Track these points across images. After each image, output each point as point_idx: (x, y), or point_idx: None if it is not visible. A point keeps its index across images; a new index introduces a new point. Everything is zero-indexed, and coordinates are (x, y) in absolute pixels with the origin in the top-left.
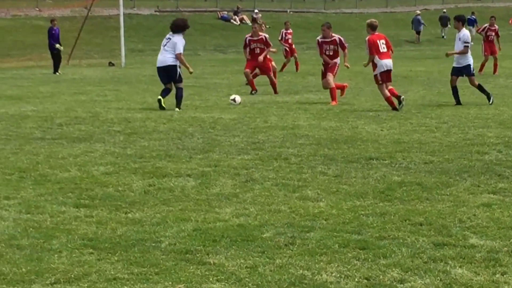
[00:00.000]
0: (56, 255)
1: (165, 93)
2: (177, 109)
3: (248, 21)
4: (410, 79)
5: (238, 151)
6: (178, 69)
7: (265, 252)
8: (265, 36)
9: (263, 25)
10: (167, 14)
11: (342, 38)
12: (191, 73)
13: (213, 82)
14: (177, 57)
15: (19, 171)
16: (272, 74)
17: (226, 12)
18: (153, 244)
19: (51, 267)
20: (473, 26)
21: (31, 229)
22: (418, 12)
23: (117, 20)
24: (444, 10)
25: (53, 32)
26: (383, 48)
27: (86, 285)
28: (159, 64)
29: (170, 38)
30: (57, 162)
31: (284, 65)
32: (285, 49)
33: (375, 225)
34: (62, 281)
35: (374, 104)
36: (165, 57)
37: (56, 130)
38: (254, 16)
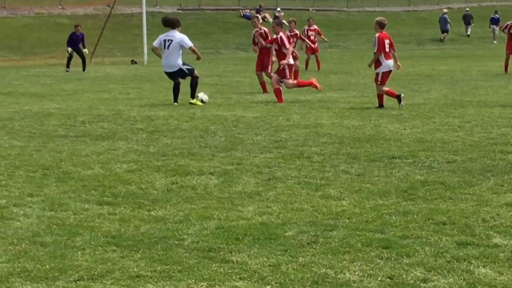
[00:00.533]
0: (79, 252)
1: (177, 94)
2: (190, 100)
3: (271, 19)
4: (433, 78)
5: (261, 150)
6: (183, 67)
7: (288, 251)
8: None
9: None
10: (189, 12)
11: (284, 38)
12: (199, 58)
13: (235, 80)
14: (192, 50)
15: (42, 169)
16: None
17: (248, 11)
18: (176, 242)
19: (75, 264)
20: (496, 25)
21: (54, 226)
22: (445, 11)
23: (139, 18)
24: (467, 9)
25: (74, 37)
26: (387, 48)
27: (109, 282)
28: (167, 69)
29: (171, 40)
30: (80, 160)
31: (307, 63)
32: (306, 46)
33: (398, 224)
34: (85, 278)
35: (397, 102)
36: (169, 62)
37: (79, 128)
38: (277, 14)
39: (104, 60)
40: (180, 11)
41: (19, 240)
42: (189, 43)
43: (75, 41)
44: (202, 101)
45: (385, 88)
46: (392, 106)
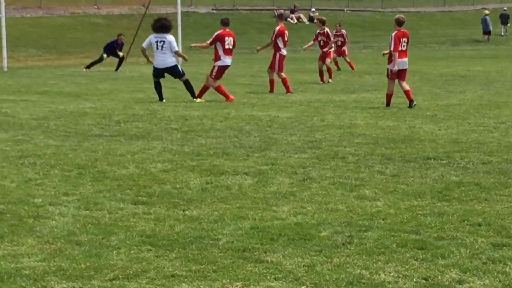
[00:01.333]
0: (114, 252)
1: (160, 92)
2: (197, 99)
3: (305, 20)
4: (468, 79)
5: (295, 150)
6: (179, 65)
7: (323, 251)
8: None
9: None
10: (224, 12)
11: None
12: (186, 60)
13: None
14: (177, 53)
15: (77, 168)
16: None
17: (283, 11)
18: (211, 242)
19: (110, 263)
20: None
21: (90, 225)
22: (487, 12)
23: (174, 18)
24: (505, 8)
25: (115, 45)
26: (403, 46)
27: (144, 281)
28: (161, 66)
29: (163, 40)
30: (115, 159)
31: (336, 63)
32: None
33: (433, 225)
34: (120, 278)
35: (431, 103)
36: (165, 59)
37: (114, 127)
38: (311, 14)
39: (139, 59)
40: (214, 11)
41: (55, 239)
42: (176, 47)
43: (114, 49)
44: None
45: (391, 90)
46: (427, 106)
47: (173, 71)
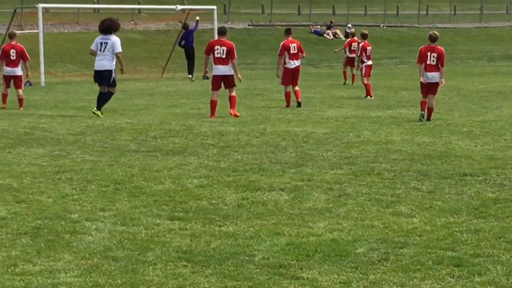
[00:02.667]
0: (150, 267)
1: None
2: (94, 109)
3: (342, 36)
4: (504, 95)
5: (331, 166)
6: (113, 74)
7: (359, 268)
8: None
9: None
10: (260, 28)
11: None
12: (122, 73)
13: (305, 96)
14: (117, 57)
15: (114, 183)
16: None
17: (319, 27)
18: (247, 258)
19: (146, 279)
20: None
21: (126, 241)
22: None
23: (211, 34)
24: None
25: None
26: (432, 61)
27: None
28: (97, 68)
29: (107, 42)
30: (152, 175)
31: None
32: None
33: (469, 242)
34: None
35: (467, 119)
36: (103, 61)
37: (151, 143)
38: (347, 30)
39: (175, 75)
40: (251, 27)
41: (91, 255)
42: (119, 48)
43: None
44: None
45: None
46: (463, 123)
47: (105, 75)
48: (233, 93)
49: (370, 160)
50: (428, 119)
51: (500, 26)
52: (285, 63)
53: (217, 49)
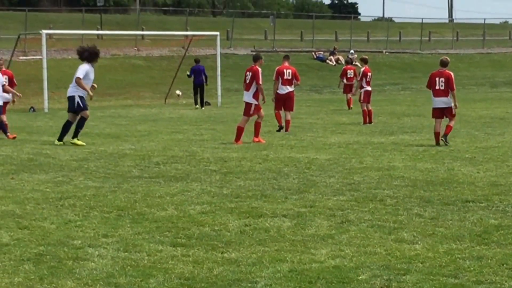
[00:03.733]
0: None
1: (62, 134)
2: (70, 139)
3: (343, 61)
4: (507, 121)
5: (334, 192)
6: (77, 99)
7: None
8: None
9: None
10: (263, 54)
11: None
12: (91, 98)
13: (308, 122)
14: (76, 81)
15: (117, 210)
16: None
17: (322, 53)
18: (249, 285)
19: None
20: None
21: (128, 267)
22: None
23: (214, 60)
24: None
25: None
26: (440, 85)
27: None
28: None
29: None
30: (154, 201)
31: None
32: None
33: (472, 269)
34: None
35: (470, 145)
36: (69, 88)
37: (154, 169)
38: (350, 56)
39: (178, 101)
40: (253, 53)
41: (94, 281)
42: (77, 74)
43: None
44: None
45: (437, 128)
46: (465, 149)
47: (70, 101)
48: (259, 119)
49: (373, 186)
50: (445, 134)
51: (503, 52)
52: (278, 88)
53: (247, 75)
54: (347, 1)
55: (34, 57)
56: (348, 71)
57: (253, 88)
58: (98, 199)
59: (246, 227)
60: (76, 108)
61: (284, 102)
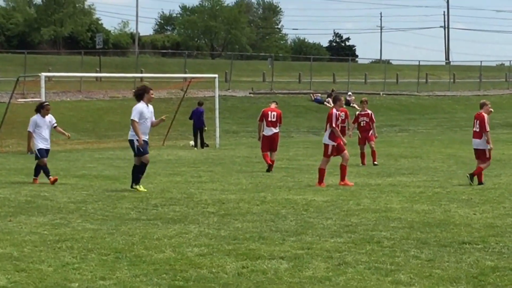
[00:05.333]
0: None
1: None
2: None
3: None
4: (503, 162)
5: (331, 234)
6: (136, 143)
7: None
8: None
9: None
10: (261, 96)
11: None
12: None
13: (306, 163)
14: (131, 123)
15: (115, 252)
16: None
17: (319, 95)
18: None
19: None
20: None
21: None
22: None
23: (212, 102)
24: None
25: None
26: (476, 127)
27: None
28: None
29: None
30: (152, 243)
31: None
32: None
33: None
34: None
35: (466, 187)
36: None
37: (151, 211)
38: (348, 98)
39: (176, 143)
40: (252, 95)
41: None
42: (131, 116)
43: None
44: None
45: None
46: (462, 190)
47: (130, 146)
48: (343, 162)
49: (370, 228)
50: (472, 173)
51: (499, 94)
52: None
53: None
54: (345, 44)
55: (33, 99)
56: (341, 113)
57: (328, 129)
58: (96, 241)
59: (243, 269)
60: (136, 153)
61: (270, 143)
